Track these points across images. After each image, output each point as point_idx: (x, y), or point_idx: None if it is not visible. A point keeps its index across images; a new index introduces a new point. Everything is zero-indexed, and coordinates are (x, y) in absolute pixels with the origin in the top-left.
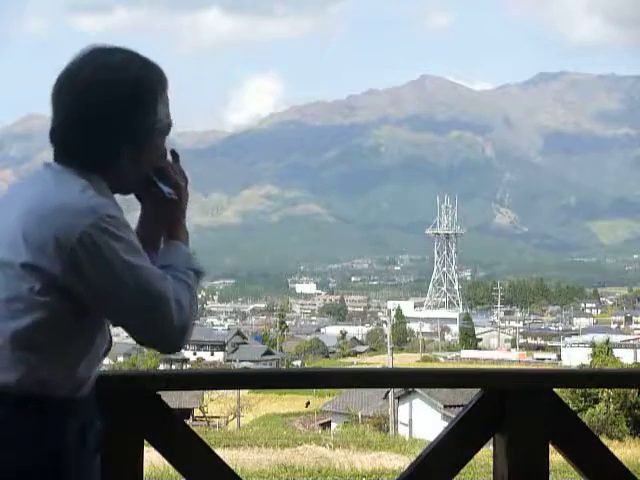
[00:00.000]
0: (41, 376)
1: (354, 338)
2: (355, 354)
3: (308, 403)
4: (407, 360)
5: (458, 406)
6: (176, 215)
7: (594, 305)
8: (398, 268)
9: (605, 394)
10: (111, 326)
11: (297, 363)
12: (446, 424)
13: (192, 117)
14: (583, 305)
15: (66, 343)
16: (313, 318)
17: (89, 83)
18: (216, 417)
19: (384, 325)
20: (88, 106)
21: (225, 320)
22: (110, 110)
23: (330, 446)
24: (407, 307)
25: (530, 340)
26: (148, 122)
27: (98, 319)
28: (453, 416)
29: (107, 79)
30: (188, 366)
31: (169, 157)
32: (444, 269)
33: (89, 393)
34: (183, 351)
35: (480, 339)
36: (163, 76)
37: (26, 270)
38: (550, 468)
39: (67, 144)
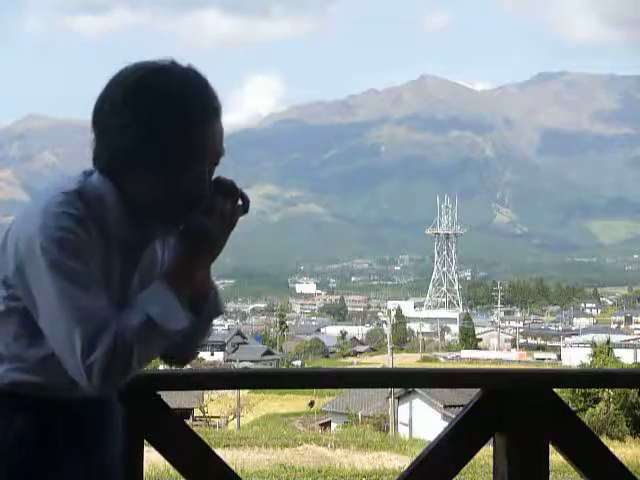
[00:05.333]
0: (11, 376)
1: (354, 338)
2: (355, 354)
3: (312, 403)
4: (407, 360)
5: (458, 406)
6: (185, 257)
7: (594, 305)
8: (398, 268)
9: (605, 394)
10: None
11: (297, 363)
12: (446, 424)
13: None
14: (583, 305)
15: (29, 344)
16: (313, 318)
17: (133, 86)
18: (216, 417)
19: (384, 325)
20: (119, 105)
21: (225, 320)
22: (138, 116)
23: (330, 446)
24: (407, 307)
25: (530, 340)
26: (179, 141)
27: None
28: (453, 416)
29: (150, 86)
30: (188, 366)
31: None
32: (444, 269)
33: (96, 395)
34: None
35: (480, 339)
36: (211, 102)
37: None
38: (550, 468)
39: (93, 141)
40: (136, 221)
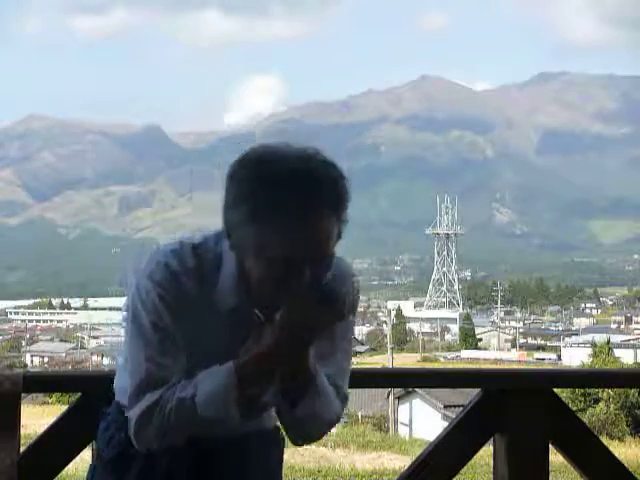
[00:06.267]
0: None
1: (354, 338)
2: (355, 354)
3: None
4: (407, 360)
5: (458, 406)
6: (263, 347)
7: (594, 305)
8: (398, 268)
9: (605, 394)
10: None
11: None
12: (446, 424)
13: (192, 117)
14: (583, 305)
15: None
16: None
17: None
18: None
19: (384, 325)
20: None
21: None
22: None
23: (330, 446)
24: (407, 307)
25: (530, 340)
26: (243, 231)
27: None
28: (453, 416)
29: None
30: None
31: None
32: (444, 269)
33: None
34: None
35: (480, 339)
36: (295, 203)
37: None
38: (550, 468)
39: None
40: (248, 298)
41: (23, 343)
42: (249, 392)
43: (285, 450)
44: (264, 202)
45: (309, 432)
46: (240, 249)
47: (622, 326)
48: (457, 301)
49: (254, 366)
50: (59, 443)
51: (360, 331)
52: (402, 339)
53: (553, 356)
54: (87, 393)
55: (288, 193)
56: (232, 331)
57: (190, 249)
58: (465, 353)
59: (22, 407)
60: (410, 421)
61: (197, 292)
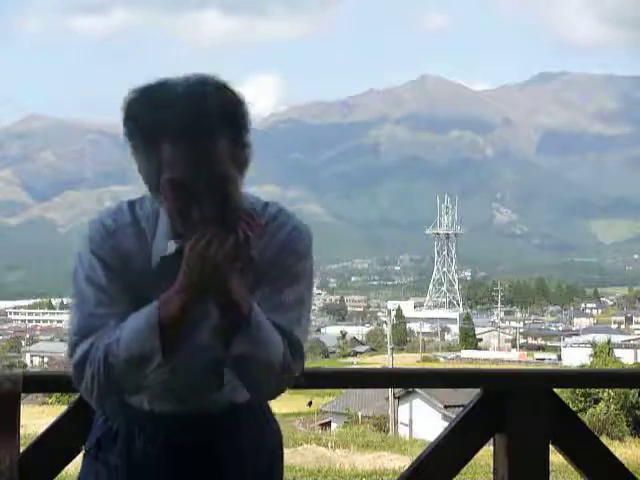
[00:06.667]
0: None
1: (354, 338)
2: (355, 354)
3: (310, 403)
4: (407, 360)
5: (458, 406)
6: (175, 286)
7: (594, 305)
8: (398, 268)
9: (605, 394)
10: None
11: None
12: (446, 424)
13: None
14: (583, 305)
15: None
16: (313, 318)
17: None
18: None
19: (384, 325)
20: None
21: None
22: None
23: (330, 446)
24: (407, 307)
25: (530, 340)
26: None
27: None
28: (453, 416)
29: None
30: None
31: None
32: (444, 269)
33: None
34: None
35: (480, 339)
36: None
37: None
38: (550, 468)
39: None
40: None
41: (23, 343)
42: (175, 327)
43: (285, 450)
44: (150, 127)
45: (255, 377)
46: (150, 187)
47: (622, 326)
48: (457, 301)
49: (175, 301)
50: (59, 443)
51: (360, 331)
52: (402, 339)
53: (553, 356)
54: None
55: (173, 113)
56: (170, 279)
57: (126, 206)
58: (465, 353)
59: (22, 407)
60: (410, 421)
61: (134, 246)
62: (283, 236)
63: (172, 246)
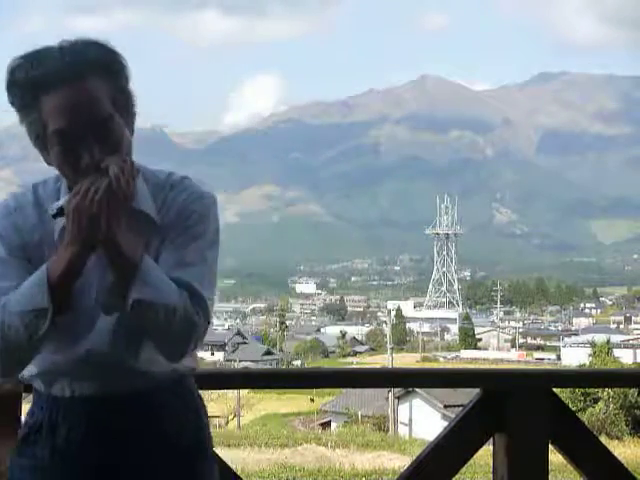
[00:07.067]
0: None
1: (354, 338)
2: (355, 354)
3: (312, 399)
4: (407, 360)
5: (458, 406)
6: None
7: (594, 305)
8: (398, 268)
9: (605, 394)
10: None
11: (297, 363)
12: (446, 424)
13: (192, 117)
14: (583, 305)
15: None
16: (313, 318)
17: None
18: (216, 417)
19: (384, 325)
20: None
21: (225, 320)
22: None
23: (330, 446)
24: (407, 307)
25: (530, 340)
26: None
27: None
28: (453, 416)
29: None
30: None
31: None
32: (444, 269)
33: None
34: None
35: (480, 339)
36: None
37: None
38: (550, 468)
39: None
40: None
41: None
42: (63, 280)
43: (285, 450)
44: (30, 85)
45: (155, 323)
46: (41, 150)
47: (622, 326)
48: (457, 301)
49: (62, 255)
50: None
51: (360, 331)
52: (402, 339)
53: (553, 356)
54: None
55: (47, 68)
56: None
57: (30, 188)
58: (465, 353)
59: (22, 407)
60: (410, 421)
61: (36, 223)
62: (184, 197)
63: (56, 205)
